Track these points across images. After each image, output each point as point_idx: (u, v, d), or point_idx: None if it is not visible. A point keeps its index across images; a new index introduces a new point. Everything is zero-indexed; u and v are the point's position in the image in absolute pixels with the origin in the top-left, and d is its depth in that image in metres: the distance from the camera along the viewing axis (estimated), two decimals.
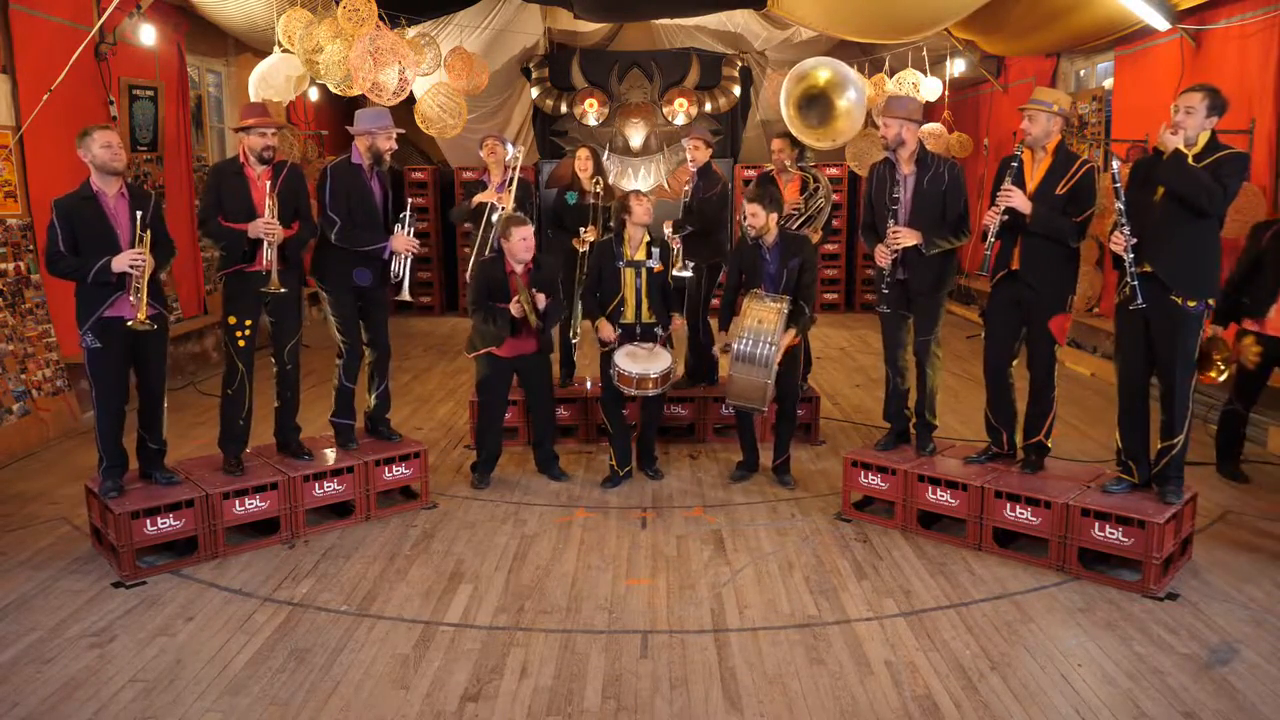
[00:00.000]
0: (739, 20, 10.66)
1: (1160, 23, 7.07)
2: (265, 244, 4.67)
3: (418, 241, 5.28)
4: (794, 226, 6.08)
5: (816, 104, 6.85)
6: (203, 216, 4.78)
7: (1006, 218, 4.50)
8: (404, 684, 3.47)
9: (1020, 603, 4.08)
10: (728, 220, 6.68)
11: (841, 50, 10.54)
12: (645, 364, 5.34)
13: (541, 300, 5.23)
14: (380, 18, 6.88)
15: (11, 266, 6.39)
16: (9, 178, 6.38)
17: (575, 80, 11.48)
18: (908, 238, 4.80)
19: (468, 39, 9.90)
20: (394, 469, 5.16)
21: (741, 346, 5.07)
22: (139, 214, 4.36)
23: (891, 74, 9.81)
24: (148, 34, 7.57)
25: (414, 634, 3.84)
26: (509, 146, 6.74)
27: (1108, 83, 8.81)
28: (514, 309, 5.20)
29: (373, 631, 3.86)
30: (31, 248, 6.49)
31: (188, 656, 3.66)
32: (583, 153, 6.70)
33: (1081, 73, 9.45)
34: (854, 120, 6.80)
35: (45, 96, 6.20)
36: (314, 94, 10.30)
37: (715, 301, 6.30)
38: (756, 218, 5.20)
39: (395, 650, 3.71)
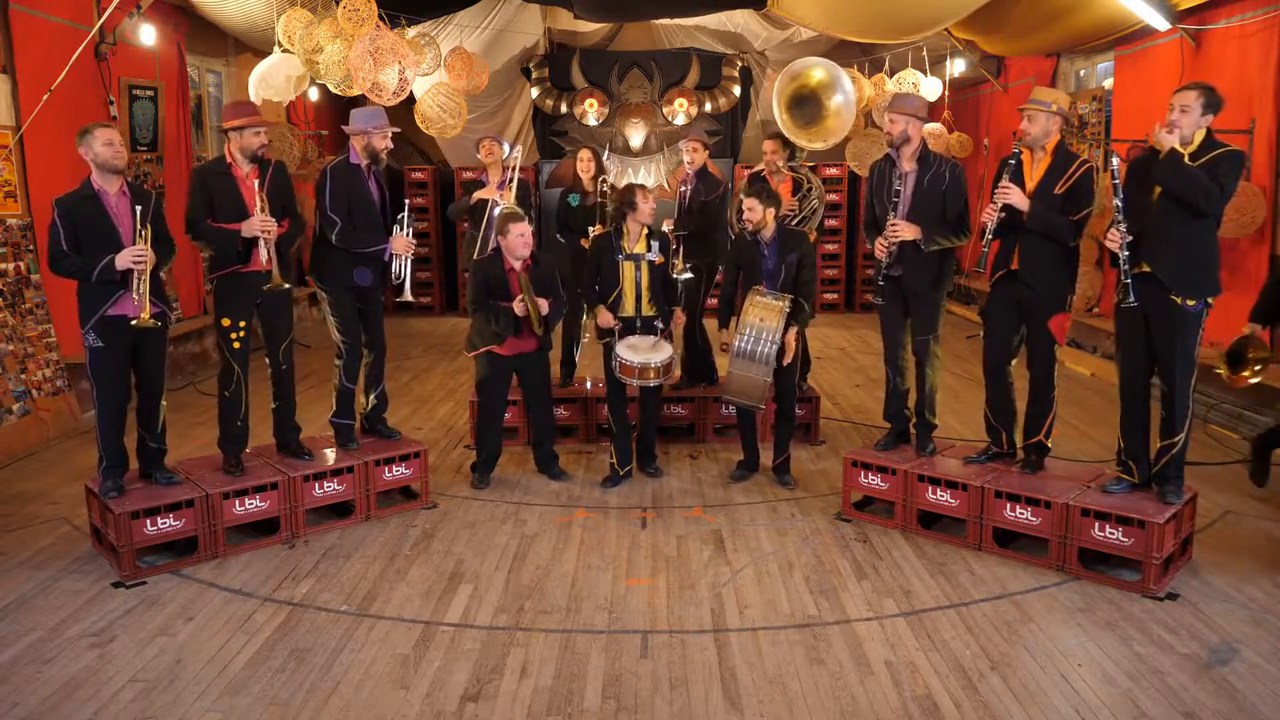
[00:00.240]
0: (739, 20, 10.66)
1: (1160, 23, 7.07)
2: (262, 242, 4.67)
3: (415, 242, 5.27)
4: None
5: (807, 104, 6.86)
6: (191, 219, 4.69)
7: (1004, 215, 4.50)
8: (404, 684, 3.47)
9: (1020, 603, 4.08)
10: (728, 222, 6.68)
11: (841, 50, 10.56)
12: (647, 354, 5.33)
13: (544, 306, 5.22)
14: (380, 18, 6.88)
15: (11, 266, 6.39)
16: (9, 178, 6.38)
17: (575, 80, 11.48)
18: (906, 231, 4.80)
19: (468, 39, 9.90)
20: (394, 469, 5.16)
21: (742, 344, 5.07)
22: (139, 209, 4.35)
23: (891, 74, 9.82)
24: (148, 34, 7.57)
25: (414, 634, 3.84)
26: (508, 147, 6.74)
27: (1108, 83, 8.82)
28: (517, 308, 5.19)
29: (373, 631, 3.86)
30: (31, 248, 6.49)
31: (188, 656, 3.66)
32: (584, 153, 6.69)
33: (1081, 73, 9.45)
34: (844, 120, 6.80)
35: (45, 96, 6.20)
36: (314, 94, 10.30)
37: (711, 302, 6.30)
38: (754, 212, 5.20)
39: (395, 650, 3.71)
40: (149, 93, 7.85)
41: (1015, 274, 4.61)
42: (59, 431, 6.49)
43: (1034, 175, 4.54)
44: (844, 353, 9.38)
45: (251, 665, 3.59)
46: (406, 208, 5.22)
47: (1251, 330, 4.97)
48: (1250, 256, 6.63)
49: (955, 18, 7.87)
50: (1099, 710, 3.26)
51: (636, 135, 11.53)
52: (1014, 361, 4.81)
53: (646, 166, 11.65)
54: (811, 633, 3.83)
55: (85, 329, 4.43)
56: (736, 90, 11.51)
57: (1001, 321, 4.76)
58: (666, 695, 3.39)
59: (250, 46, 9.00)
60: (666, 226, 5.97)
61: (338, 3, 6.77)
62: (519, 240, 5.18)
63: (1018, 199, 4.46)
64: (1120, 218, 4.19)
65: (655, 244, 5.46)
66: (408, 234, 5.17)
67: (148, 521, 4.38)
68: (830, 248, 11.70)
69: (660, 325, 5.52)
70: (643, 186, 5.50)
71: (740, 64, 11.48)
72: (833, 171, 11.46)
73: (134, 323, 4.35)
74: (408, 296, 5.21)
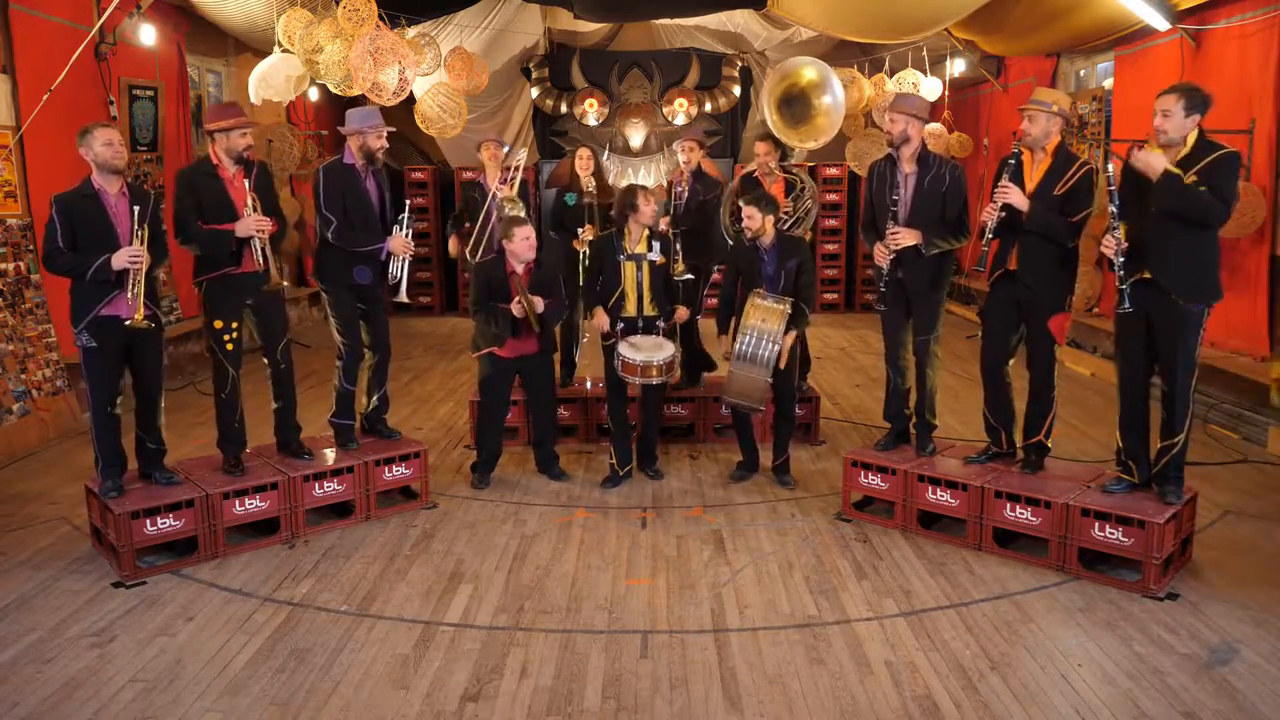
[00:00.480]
0: (739, 20, 10.66)
1: (1160, 23, 7.07)
2: (255, 243, 4.66)
3: (413, 244, 5.27)
4: (783, 229, 6.07)
5: (796, 103, 6.86)
6: (180, 221, 4.64)
7: (1004, 214, 4.50)
8: (404, 684, 3.47)
9: (1020, 603, 4.08)
10: (721, 223, 6.67)
11: (841, 50, 10.57)
12: (649, 353, 5.33)
13: (540, 304, 5.23)
14: (380, 18, 6.88)
15: (11, 266, 6.39)
16: (9, 178, 6.38)
17: (575, 80, 11.48)
18: (907, 238, 4.80)
19: (468, 39, 9.90)
20: (394, 469, 5.16)
21: (743, 346, 5.07)
22: (137, 209, 4.35)
23: (891, 74, 9.82)
24: (148, 34, 7.57)
25: (414, 634, 3.84)
26: (508, 150, 6.75)
27: (1108, 83, 8.82)
28: (515, 309, 5.20)
29: (373, 631, 3.86)
30: (31, 248, 6.49)
31: (188, 656, 3.66)
32: (583, 152, 6.70)
33: (1081, 73, 9.45)
34: (833, 120, 6.80)
35: (45, 96, 6.21)
36: (314, 94, 10.30)
37: (710, 302, 6.31)
38: (753, 220, 5.21)
39: (395, 650, 3.71)
40: (149, 93, 7.85)
41: (1014, 274, 4.61)
42: (59, 431, 6.49)
43: (1034, 176, 4.54)
44: (844, 353, 9.38)
45: (251, 665, 3.59)
46: (407, 208, 5.23)
47: None
48: (1250, 256, 6.63)
49: (955, 18, 7.87)
50: (1099, 710, 3.26)
51: (636, 135, 11.54)
52: (1011, 361, 4.81)
53: (646, 166, 11.66)
54: (811, 633, 3.83)
55: (78, 328, 4.41)
56: (736, 90, 11.51)
57: (999, 321, 4.76)
58: (666, 695, 3.39)
59: (250, 46, 9.01)
60: (664, 222, 5.97)
61: (338, 3, 6.77)
62: (524, 244, 5.19)
63: (1017, 199, 4.46)
64: (1115, 224, 4.17)
65: (656, 244, 5.46)
66: (407, 234, 5.17)
67: (148, 521, 4.38)
68: (830, 248, 11.70)
69: (661, 324, 5.53)
70: (644, 188, 5.51)
71: (740, 64, 11.48)
72: (833, 171, 11.47)
73: (127, 323, 4.34)
74: (403, 297, 5.19)
